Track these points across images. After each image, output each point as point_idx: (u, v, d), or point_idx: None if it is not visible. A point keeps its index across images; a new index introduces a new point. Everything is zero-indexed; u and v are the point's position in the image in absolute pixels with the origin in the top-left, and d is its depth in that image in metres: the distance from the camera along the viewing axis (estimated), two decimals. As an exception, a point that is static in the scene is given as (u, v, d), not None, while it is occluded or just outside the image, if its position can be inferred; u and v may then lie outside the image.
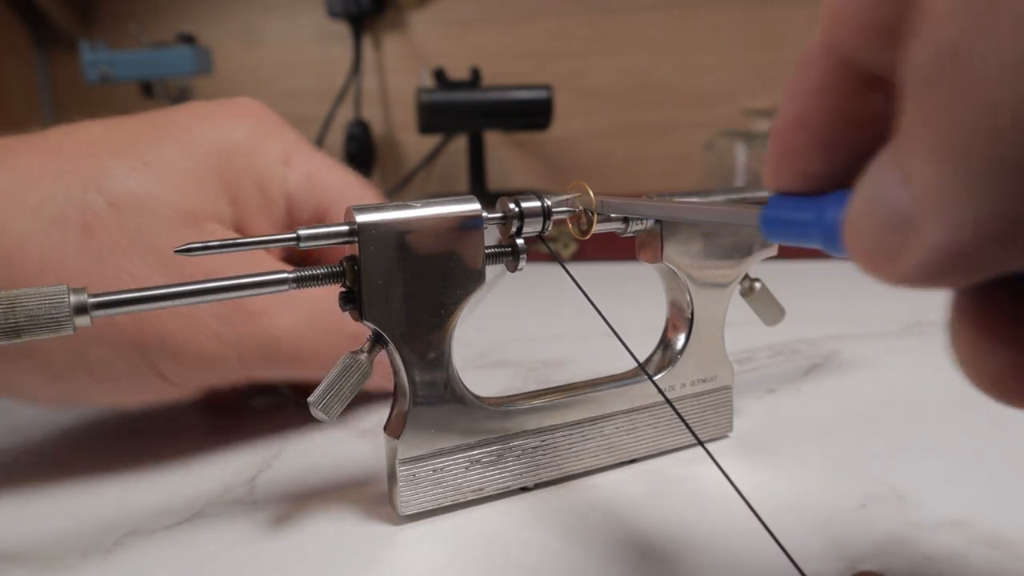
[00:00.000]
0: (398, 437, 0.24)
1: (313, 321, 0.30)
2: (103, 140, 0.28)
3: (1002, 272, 0.12)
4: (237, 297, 0.22)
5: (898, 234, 0.12)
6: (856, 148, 0.15)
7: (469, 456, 0.26)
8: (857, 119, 0.15)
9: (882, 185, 0.12)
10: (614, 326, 0.26)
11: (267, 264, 0.30)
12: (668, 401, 0.26)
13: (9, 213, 0.26)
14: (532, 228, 0.25)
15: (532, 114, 0.87)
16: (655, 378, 0.28)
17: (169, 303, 0.21)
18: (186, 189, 0.28)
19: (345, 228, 0.23)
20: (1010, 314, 0.13)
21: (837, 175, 0.15)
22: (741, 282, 0.30)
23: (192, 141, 0.29)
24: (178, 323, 0.27)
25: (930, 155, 0.11)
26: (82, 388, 0.27)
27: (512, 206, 0.25)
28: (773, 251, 0.29)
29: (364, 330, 0.24)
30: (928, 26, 0.11)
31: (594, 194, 0.25)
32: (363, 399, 0.35)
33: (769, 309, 0.32)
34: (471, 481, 0.26)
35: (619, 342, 0.25)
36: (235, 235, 0.30)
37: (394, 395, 0.25)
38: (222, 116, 0.31)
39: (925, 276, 0.12)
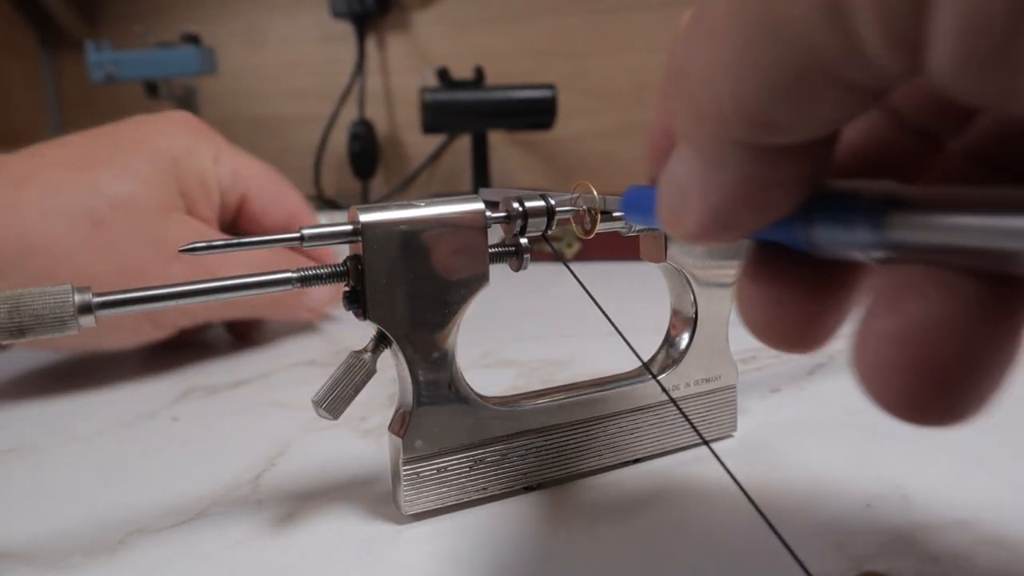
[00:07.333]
0: (402, 436, 0.24)
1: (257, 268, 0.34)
2: (90, 154, 0.37)
3: (759, 228, 0.15)
4: (241, 296, 0.22)
5: (679, 200, 0.15)
6: None
7: (473, 456, 0.26)
8: None
9: (672, 163, 0.15)
10: (618, 325, 0.26)
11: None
12: (672, 400, 0.26)
13: (40, 217, 0.35)
14: (536, 228, 0.25)
15: (536, 114, 0.87)
16: (659, 377, 0.28)
17: (172, 303, 0.21)
18: (155, 188, 0.37)
19: (349, 227, 0.23)
20: (774, 278, 0.17)
21: None
22: (745, 281, 0.30)
23: (152, 151, 0.39)
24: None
25: (684, 138, 0.15)
26: (99, 338, 0.38)
27: (516, 205, 0.25)
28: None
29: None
30: (673, 49, 0.15)
31: (597, 193, 0.25)
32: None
33: (773, 308, 0.32)
34: (475, 481, 0.26)
35: (623, 341, 0.25)
36: (205, 227, 0.40)
37: (399, 395, 0.25)
38: (166, 128, 0.40)
39: (701, 232, 0.15)
